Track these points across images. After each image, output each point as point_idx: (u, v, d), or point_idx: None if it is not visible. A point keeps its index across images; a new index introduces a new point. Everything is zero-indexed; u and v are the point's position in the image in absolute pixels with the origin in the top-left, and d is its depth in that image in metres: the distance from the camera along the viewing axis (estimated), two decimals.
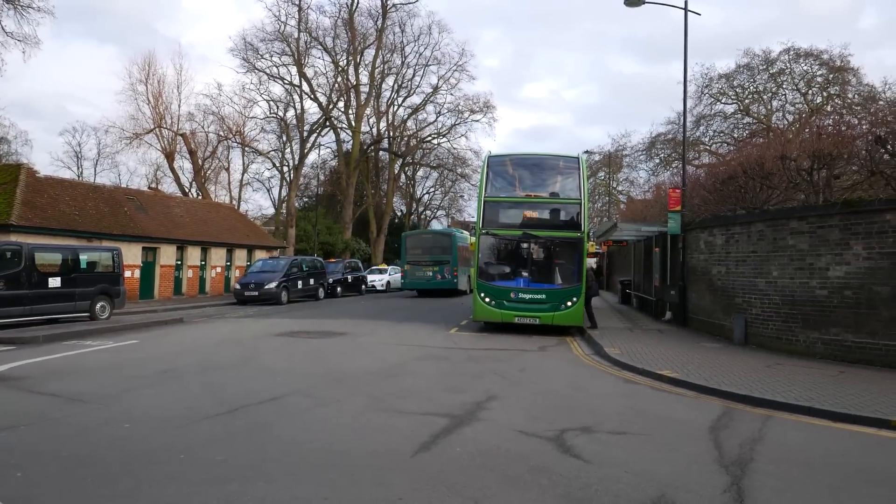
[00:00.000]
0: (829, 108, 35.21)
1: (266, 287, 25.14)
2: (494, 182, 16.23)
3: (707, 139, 41.44)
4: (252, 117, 49.27)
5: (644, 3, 16.47)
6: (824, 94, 36.92)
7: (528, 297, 15.39)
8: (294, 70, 44.92)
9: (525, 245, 15.78)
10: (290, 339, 14.08)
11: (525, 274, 15.66)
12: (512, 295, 15.45)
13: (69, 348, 12.10)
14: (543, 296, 15.34)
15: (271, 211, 57.39)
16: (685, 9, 16.70)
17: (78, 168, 59.21)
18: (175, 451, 5.64)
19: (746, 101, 39.27)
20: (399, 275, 35.98)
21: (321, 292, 29.32)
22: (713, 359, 11.52)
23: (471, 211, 56.65)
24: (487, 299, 15.59)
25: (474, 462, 5.59)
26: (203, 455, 5.56)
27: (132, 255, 25.40)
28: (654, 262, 20.69)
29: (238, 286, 26.01)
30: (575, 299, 15.16)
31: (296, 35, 44.31)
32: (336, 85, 46.48)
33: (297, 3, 43.97)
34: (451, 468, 5.39)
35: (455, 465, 5.50)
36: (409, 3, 48.09)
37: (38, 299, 15.40)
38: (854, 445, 6.56)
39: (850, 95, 35.45)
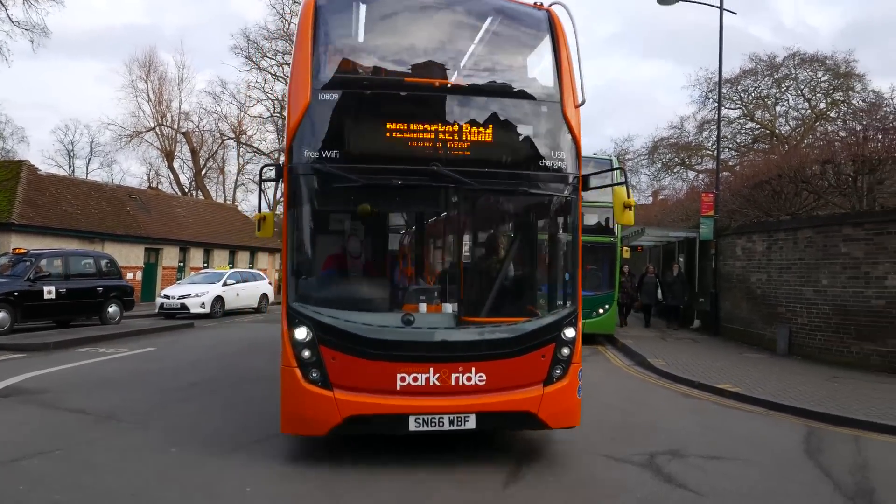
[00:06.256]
0: (832, 115, 34.91)
1: None
2: None
3: (710, 144, 41.03)
4: (256, 116, 48.42)
5: (677, 1, 15.96)
6: (828, 99, 36.57)
7: None
8: None
9: None
10: None
11: None
12: None
13: (84, 356, 11.38)
14: None
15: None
16: (721, 7, 16.18)
17: (70, 167, 57.99)
18: (241, 485, 5.00)
19: (751, 106, 38.90)
20: None
21: None
22: (765, 371, 10.96)
23: None
24: None
25: (576, 495, 4.99)
26: None
27: (134, 256, 24.64)
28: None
29: None
30: (607, 306, 14.55)
31: None
32: None
33: (300, 0, 43.24)
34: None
35: (556, 499, 4.90)
36: None
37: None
38: None
39: (854, 101, 35.10)
